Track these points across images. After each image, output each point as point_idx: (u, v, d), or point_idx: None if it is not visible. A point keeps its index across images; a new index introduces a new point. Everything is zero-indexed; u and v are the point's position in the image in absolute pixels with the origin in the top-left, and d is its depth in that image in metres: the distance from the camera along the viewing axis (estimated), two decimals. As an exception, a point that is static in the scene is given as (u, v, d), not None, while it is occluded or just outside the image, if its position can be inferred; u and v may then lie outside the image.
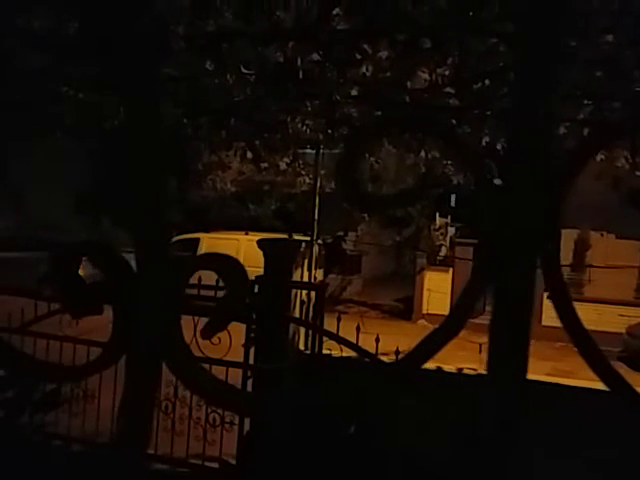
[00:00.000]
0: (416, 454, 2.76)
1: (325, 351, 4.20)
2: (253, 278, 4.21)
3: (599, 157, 5.14)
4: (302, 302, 4.70)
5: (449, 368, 4.27)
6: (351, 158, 0.75)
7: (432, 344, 0.74)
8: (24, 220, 12.76)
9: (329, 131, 5.20)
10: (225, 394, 0.77)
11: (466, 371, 4.35)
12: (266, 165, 8.13)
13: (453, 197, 14.70)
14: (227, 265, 0.75)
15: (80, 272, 1.69)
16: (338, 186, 0.75)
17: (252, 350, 4.12)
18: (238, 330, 4.09)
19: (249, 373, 4.10)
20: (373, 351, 3.85)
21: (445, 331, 0.74)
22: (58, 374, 1.00)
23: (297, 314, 4.59)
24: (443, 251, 14.61)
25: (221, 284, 0.85)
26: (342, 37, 3.38)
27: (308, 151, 8.80)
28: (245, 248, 11.33)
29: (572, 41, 3.04)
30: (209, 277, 1.24)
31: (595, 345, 0.73)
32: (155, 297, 0.73)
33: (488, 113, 4.39)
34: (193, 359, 0.76)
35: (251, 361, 4.11)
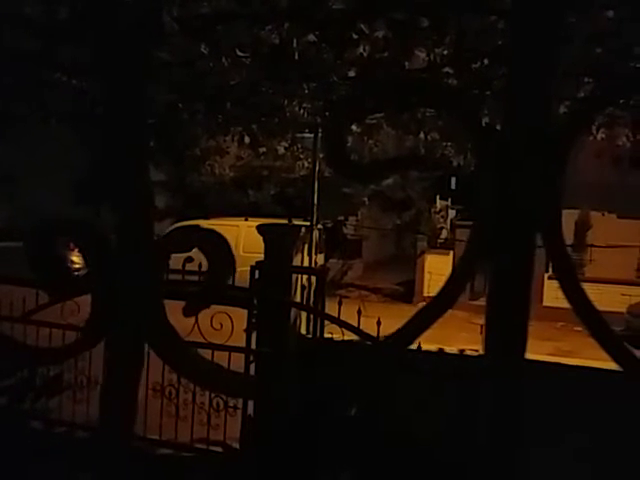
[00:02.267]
0: (416, 435, 2.78)
1: (327, 335, 4.20)
2: (254, 264, 4.20)
3: (599, 136, 5.10)
4: (303, 287, 4.70)
5: (451, 349, 4.28)
6: (341, 126, 0.73)
7: (422, 321, 0.73)
8: (21, 209, 12.73)
9: (327, 114, 5.14)
10: (212, 375, 0.76)
11: (468, 352, 4.36)
12: (264, 150, 8.08)
13: (453, 180, 14.65)
14: (210, 241, 0.74)
15: (77, 260, 1.67)
16: (327, 155, 0.73)
17: (254, 335, 4.13)
18: (240, 315, 4.10)
19: (251, 358, 4.11)
20: (375, 334, 3.85)
21: (434, 309, 0.73)
22: (37, 356, 0.99)
23: (298, 299, 4.59)
24: (444, 234, 14.59)
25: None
26: (338, 17, 3.32)
27: (306, 135, 8.73)
28: (245, 234, 11.31)
29: (572, 17, 2.99)
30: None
31: (605, 323, 0.71)
32: (137, 277, 0.71)
33: (487, 93, 4.34)
34: (178, 340, 0.75)
35: (253, 346, 4.12)
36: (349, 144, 0.81)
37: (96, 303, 0.73)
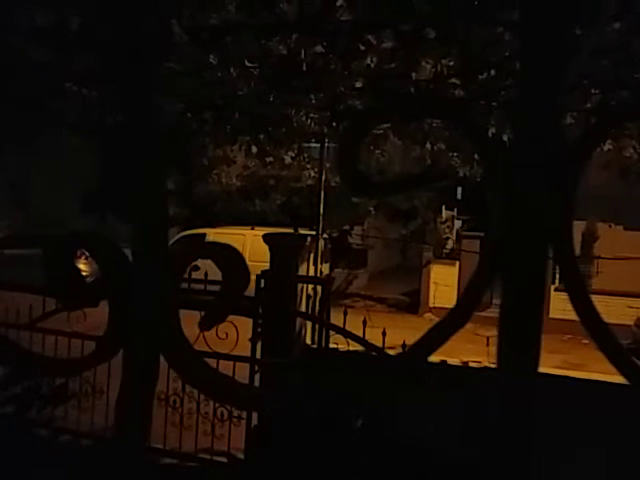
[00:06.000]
0: (424, 446, 2.76)
1: (332, 345, 4.19)
2: (259, 273, 4.20)
3: (606, 147, 5.09)
4: (308, 296, 4.69)
5: (454, 361, 4.25)
6: (354, 143, 0.74)
7: (438, 336, 0.73)
8: (30, 217, 12.81)
9: (334, 124, 5.17)
10: (223, 387, 0.76)
11: (471, 364, 4.33)
12: (271, 159, 8.12)
13: (459, 190, 14.63)
14: (225, 254, 0.74)
15: (84, 267, 1.67)
16: (340, 172, 0.74)
17: (259, 345, 4.12)
18: (245, 325, 4.09)
19: (256, 368, 4.10)
20: (380, 345, 3.83)
21: (451, 323, 0.73)
22: (56, 368, 0.99)
23: (303, 308, 4.58)
24: (449, 244, 14.56)
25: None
26: (346, 28, 3.35)
27: (313, 145, 8.77)
28: (251, 243, 11.33)
29: (578, 29, 2.99)
30: (217, 273, 1.21)
31: (613, 336, 0.71)
32: (152, 289, 0.72)
33: (494, 104, 4.35)
34: (191, 352, 0.75)
35: (258, 356, 4.11)
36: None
37: (113, 315, 0.73)
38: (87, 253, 0.93)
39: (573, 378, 4.12)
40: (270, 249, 4.30)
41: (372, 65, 3.73)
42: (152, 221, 0.72)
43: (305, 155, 9.36)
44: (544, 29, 0.76)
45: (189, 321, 0.98)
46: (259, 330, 4.12)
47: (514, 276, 0.74)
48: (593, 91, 4.11)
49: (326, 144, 8.32)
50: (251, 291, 4.08)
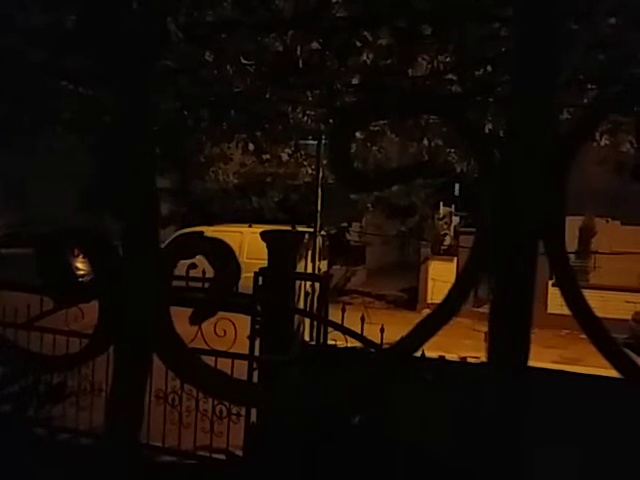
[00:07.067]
0: (421, 443, 2.77)
1: (330, 342, 4.19)
2: (257, 270, 4.21)
3: (603, 142, 5.10)
4: (306, 293, 4.69)
5: (452, 357, 4.26)
6: (345, 137, 0.74)
7: (426, 329, 0.73)
8: (27, 216, 12.80)
9: (330, 121, 5.16)
10: (218, 383, 0.76)
11: (469, 360, 4.34)
12: (268, 157, 8.11)
13: (457, 186, 14.64)
14: (216, 248, 0.74)
15: (82, 266, 1.67)
16: (331, 166, 0.74)
17: (257, 342, 4.13)
18: (243, 322, 4.10)
19: (255, 365, 4.10)
20: (378, 341, 3.84)
21: (439, 316, 0.73)
22: (45, 364, 0.99)
23: (301, 305, 4.58)
24: (447, 240, 14.58)
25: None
26: (342, 25, 3.35)
27: (310, 142, 8.76)
28: (249, 240, 11.33)
29: (574, 24, 3.00)
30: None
31: (605, 330, 0.71)
32: (143, 284, 0.72)
33: (490, 100, 4.35)
34: (184, 348, 0.75)
35: (256, 353, 4.12)
36: (353, 151, 0.82)
37: (104, 311, 0.73)
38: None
39: (565, 372, 4.13)
40: (268, 246, 4.31)
41: (368, 61, 3.72)
42: (142, 217, 0.72)
43: (302, 152, 9.36)
44: (539, 23, 0.76)
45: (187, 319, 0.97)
46: (257, 327, 4.13)
47: (504, 270, 0.74)
48: (589, 86, 4.12)
49: (323, 141, 8.32)
50: (249, 288, 4.08)
